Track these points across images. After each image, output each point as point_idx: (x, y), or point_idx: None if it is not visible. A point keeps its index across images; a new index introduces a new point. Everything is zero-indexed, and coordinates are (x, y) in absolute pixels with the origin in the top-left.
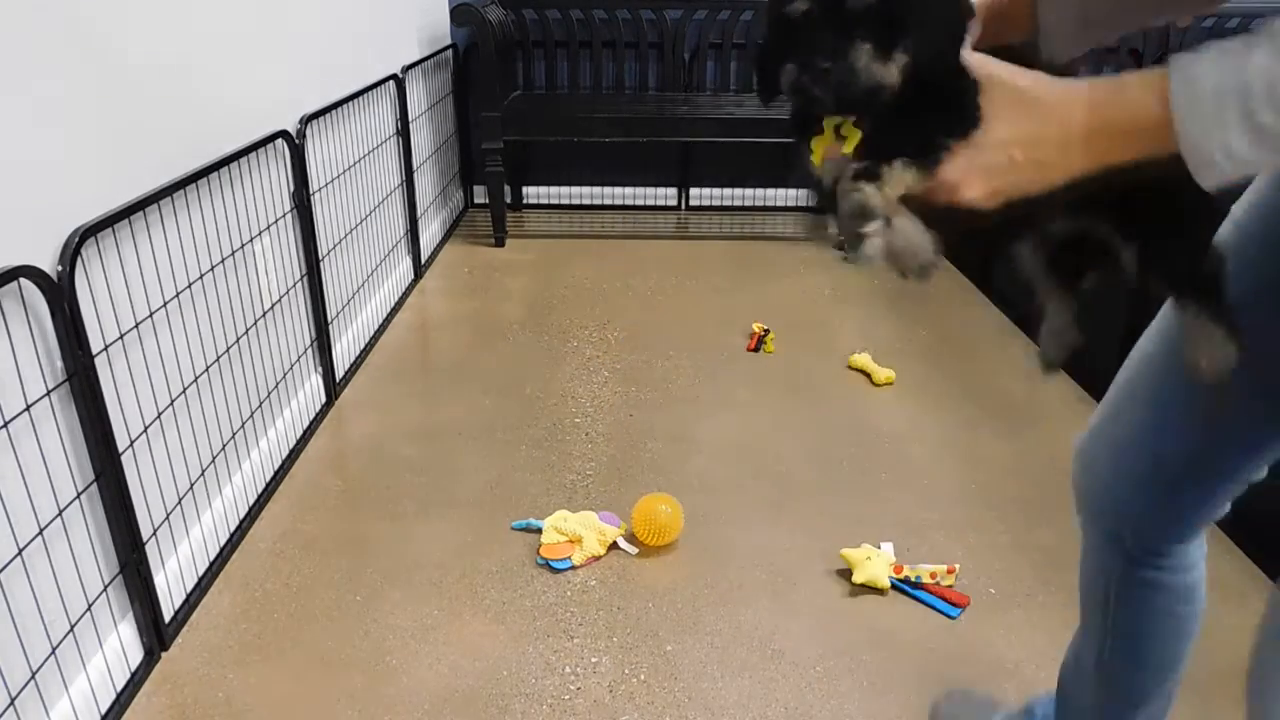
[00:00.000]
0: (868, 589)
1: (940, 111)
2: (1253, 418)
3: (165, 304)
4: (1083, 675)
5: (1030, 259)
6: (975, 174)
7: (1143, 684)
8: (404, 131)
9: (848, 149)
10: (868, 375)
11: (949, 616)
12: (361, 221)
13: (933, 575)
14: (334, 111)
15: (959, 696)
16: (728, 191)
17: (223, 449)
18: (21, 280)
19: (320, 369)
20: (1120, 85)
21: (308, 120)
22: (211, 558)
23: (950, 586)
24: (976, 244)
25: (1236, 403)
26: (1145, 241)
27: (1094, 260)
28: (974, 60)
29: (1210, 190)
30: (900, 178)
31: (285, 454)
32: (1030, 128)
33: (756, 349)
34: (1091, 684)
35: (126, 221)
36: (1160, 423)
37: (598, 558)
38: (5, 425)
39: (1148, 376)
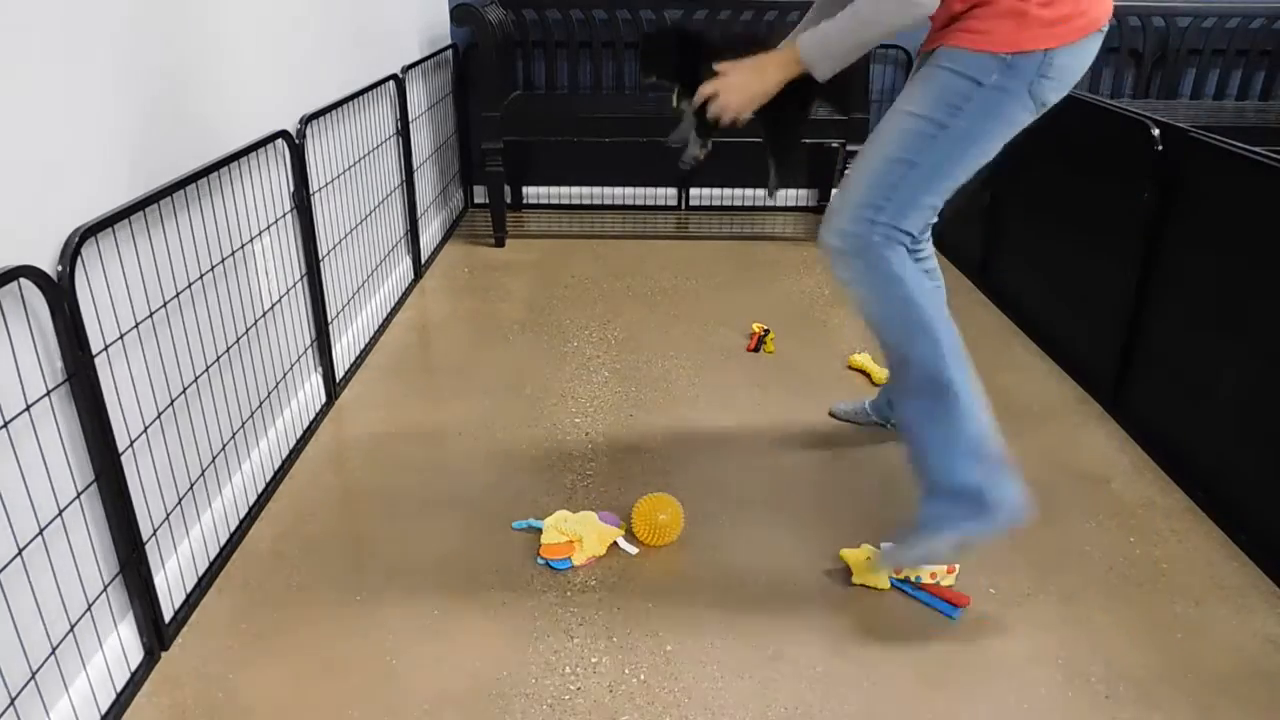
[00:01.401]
0: (867, 588)
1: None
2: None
3: (165, 304)
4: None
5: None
6: (728, 93)
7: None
8: (404, 131)
9: (674, 100)
10: (868, 375)
11: (949, 617)
12: (361, 221)
13: (933, 575)
14: (334, 111)
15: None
16: (728, 191)
17: (223, 449)
18: (21, 280)
19: (320, 369)
20: (784, 47)
21: (308, 120)
22: (211, 558)
23: (950, 587)
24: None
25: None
26: (769, 122)
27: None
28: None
29: (821, 80)
30: (689, 100)
31: (285, 454)
32: (746, 67)
33: (756, 349)
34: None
35: (126, 221)
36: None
37: (598, 558)
38: (5, 425)
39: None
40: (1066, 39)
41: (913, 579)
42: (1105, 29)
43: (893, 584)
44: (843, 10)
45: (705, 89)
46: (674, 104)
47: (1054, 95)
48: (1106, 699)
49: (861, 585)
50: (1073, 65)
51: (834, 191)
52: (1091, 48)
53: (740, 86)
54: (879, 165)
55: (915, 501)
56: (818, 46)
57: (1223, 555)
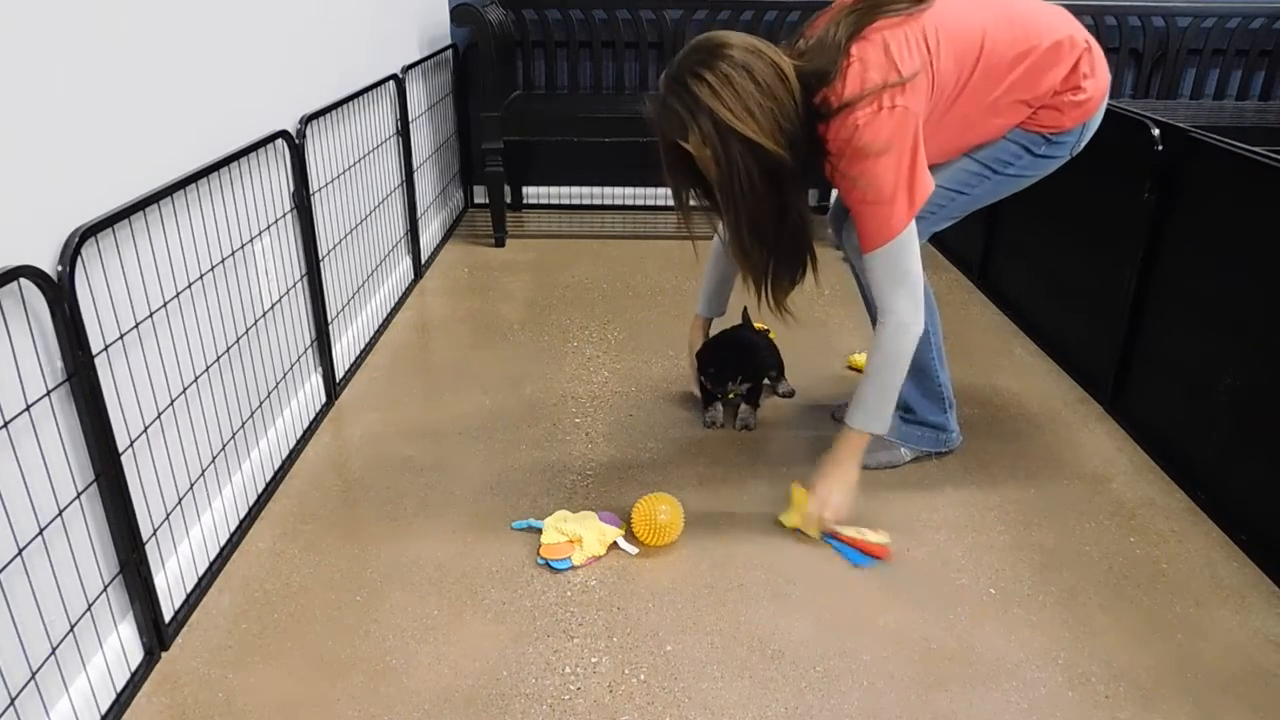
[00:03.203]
0: (800, 534)
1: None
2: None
3: (165, 304)
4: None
5: None
6: (834, 505)
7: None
8: (404, 131)
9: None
10: None
11: (856, 564)
12: (361, 222)
13: (859, 532)
14: (334, 111)
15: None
16: None
17: (223, 449)
18: (21, 280)
19: (320, 369)
20: (845, 441)
21: (308, 120)
22: (211, 558)
23: (881, 545)
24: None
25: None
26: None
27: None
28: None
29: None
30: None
31: (285, 454)
32: (837, 482)
33: None
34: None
35: (126, 221)
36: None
37: (598, 558)
38: (5, 425)
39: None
40: (1094, 110)
41: (844, 534)
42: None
43: (825, 538)
44: (866, 375)
45: (812, 510)
46: (730, 395)
47: (1085, 143)
48: (1106, 699)
49: (794, 530)
50: (1097, 121)
51: (835, 193)
52: (1105, 103)
53: (840, 496)
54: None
55: (915, 502)
56: (871, 416)
57: (1223, 555)
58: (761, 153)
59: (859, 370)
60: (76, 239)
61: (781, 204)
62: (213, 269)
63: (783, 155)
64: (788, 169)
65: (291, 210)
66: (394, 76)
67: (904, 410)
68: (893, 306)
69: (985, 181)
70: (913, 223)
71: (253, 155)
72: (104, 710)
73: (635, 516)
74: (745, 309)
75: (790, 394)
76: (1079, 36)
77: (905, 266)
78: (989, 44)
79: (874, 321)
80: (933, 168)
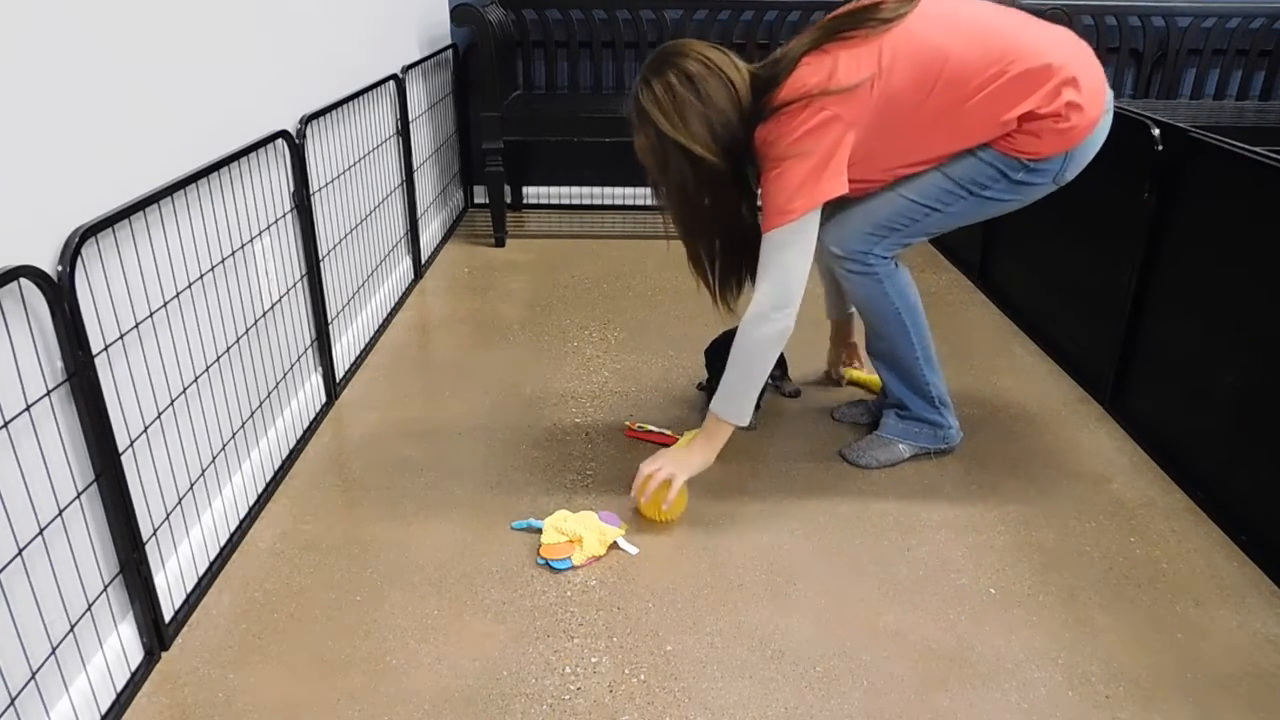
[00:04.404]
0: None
1: None
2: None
3: (165, 304)
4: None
5: None
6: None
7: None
8: (404, 131)
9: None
10: (866, 385)
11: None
12: (361, 221)
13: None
14: (334, 111)
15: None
16: None
17: (223, 449)
18: (21, 280)
19: (320, 369)
20: (709, 430)
21: (308, 120)
22: (211, 558)
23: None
24: None
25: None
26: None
27: None
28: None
29: (746, 423)
30: None
31: (285, 454)
32: (677, 459)
33: None
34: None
35: (126, 221)
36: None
37: (598, 558)
38: (5, 425)
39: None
40: (1078, 141)
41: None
42: (1111, 104)
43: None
44: (729, 364)
45: (642, 468)
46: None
47: (1074, 174)
48: (1106, 699)
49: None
50: (1089, 149)
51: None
52: (1106, 125)
53: (669, 468)
54: (901, 203)
55: (915, 502)
56: (730, 404)
57: (1223, 555)
58: (695, 159)
59: (857, 383)
60: (76, 239)
61: (719, 207)
62: (213, 269)
63: (715, 162)
64: (723, 174)
65: (291, 210)
66: (394, 76)
67: (899, 407)
68: (759, 292)
69: (960, 201)
70: (808, 221)
71: (253, 155)
72: (104, 710)
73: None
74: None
75: (796, 394)
76: (1069, 68)
77: (783, 257)
78: (955, 62)
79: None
80: (905, 180)
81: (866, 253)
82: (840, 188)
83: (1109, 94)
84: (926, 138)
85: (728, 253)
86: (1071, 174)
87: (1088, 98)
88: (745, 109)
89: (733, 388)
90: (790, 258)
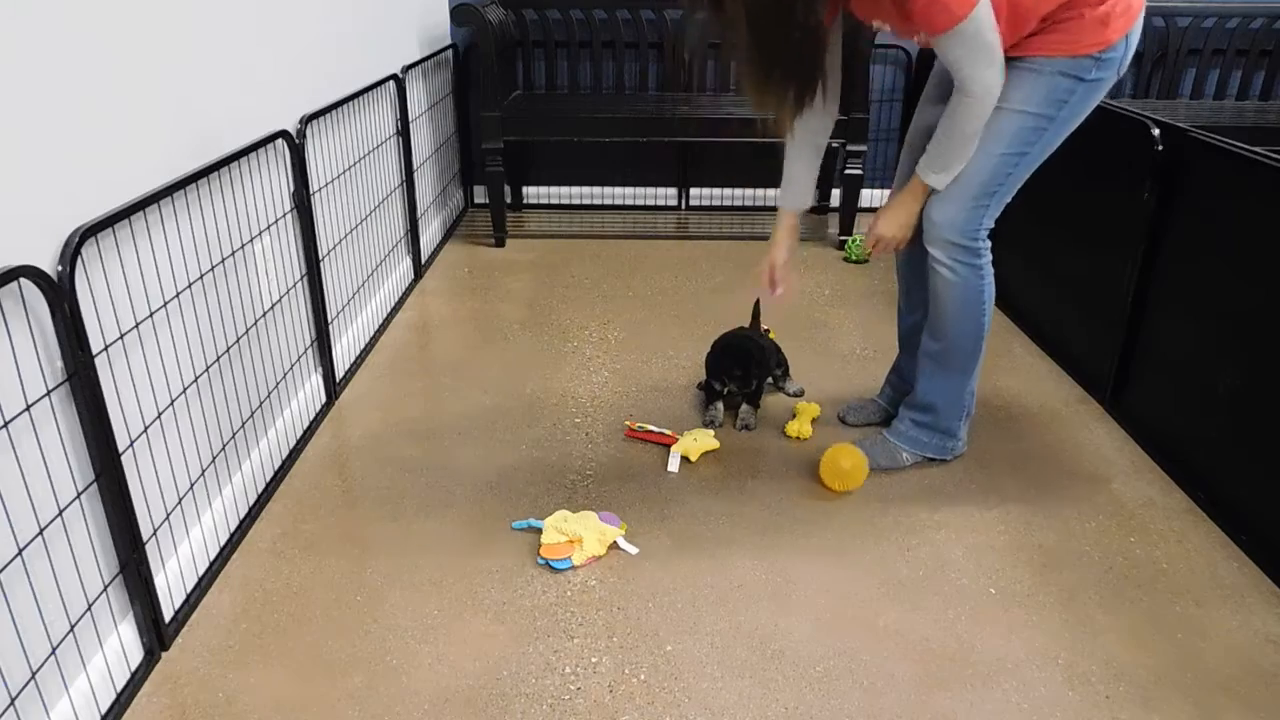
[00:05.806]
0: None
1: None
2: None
3: (165, 304)
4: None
5: None
6: (888, 230)
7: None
8: (404, 131)
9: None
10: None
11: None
12: (361, 221)
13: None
14: (334, 111)
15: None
16: (728, 191)
17: (223, 449)
18: (21, 280)
19: (320, 369)
20: (911, 186)
21: (308, 120)
22: (211, 558)
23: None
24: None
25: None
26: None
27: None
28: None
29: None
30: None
31: (285, 454)
32: (893, 209)
33: None
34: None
35: (126, 221)
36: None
37: (598, 558)
38: (5, 425)
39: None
40: (1137, 16)
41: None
42: None
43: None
44: (939, 130)
45: (871, 235)
46: (724, 391)
47: (1129, 60)
48: (1106, 699)
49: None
50: (1138, 32)
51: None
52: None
53: (886, 224)
54: (994, 162)
55: (916, 503)
56: (938, 168)
57: (1223, 555)
58: None
59: (793, 437)
60: (76, 239)
61: (787, 11)
62: (213, 269)
63: None
64: None
65: (291, 210)
66: (394, 76)
67: (922, 411)
68: (978, 76)
69: (1043, 133)
70: (982, 5)
71: (253, 155)
72: (104, 710)
73: (823, 462)
74: (757, 302)
75: (800, 393)
76: None
77: (985, 38)
78: None
79: (903, 316)
80: (986, 134)
81: (977, 230)
82: None
83: None
84: (1016, 14)
85: (791, 64)
86: (1129, 59)
87: None
88: None
89: (951, 156)
90: (990, 36)
